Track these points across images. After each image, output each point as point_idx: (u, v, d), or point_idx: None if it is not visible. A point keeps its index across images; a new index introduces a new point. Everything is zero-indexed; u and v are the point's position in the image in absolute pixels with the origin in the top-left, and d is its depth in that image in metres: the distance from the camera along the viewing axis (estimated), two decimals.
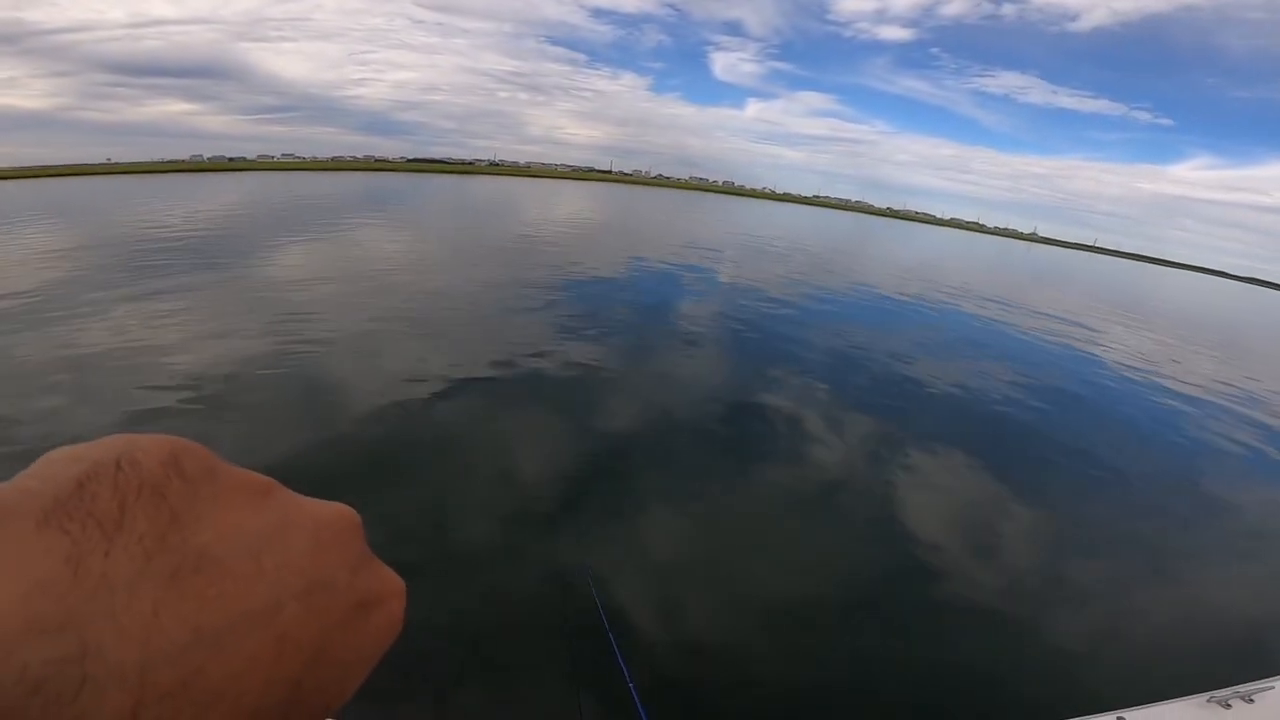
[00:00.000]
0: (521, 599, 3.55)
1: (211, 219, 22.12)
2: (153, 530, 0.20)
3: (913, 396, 8.32)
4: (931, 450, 6.59)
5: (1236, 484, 6.94)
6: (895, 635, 3.69)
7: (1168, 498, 6.31)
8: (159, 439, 0.23)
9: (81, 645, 0.17)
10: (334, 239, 17.58)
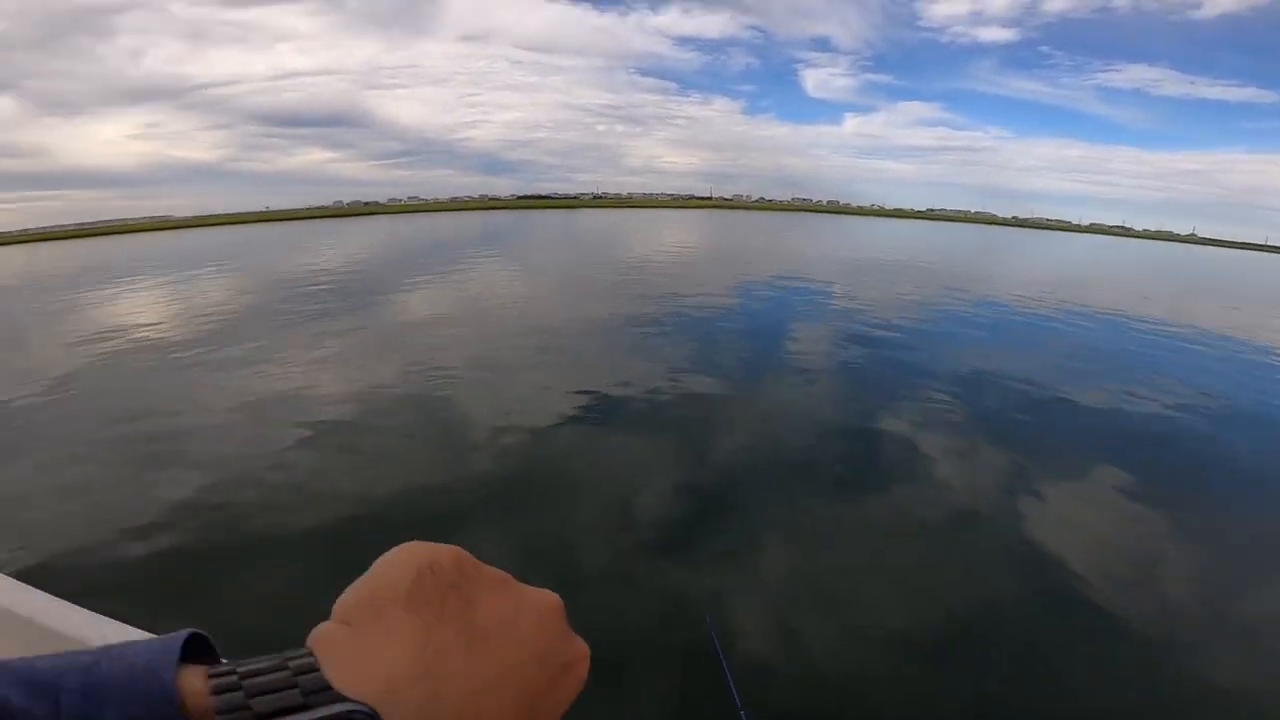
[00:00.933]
0: (634, 623, 3.51)
1: (353, 261, 24.28)
2: (458, 612, 0.30)
3: (1050, 420, 7.31)
4: (1073, 476, 5.90)
5: None
6: (1030, 672, 3.34)
7: None
8: (448, 549, 0.33)
9: (433, 691, 0.27)
10: (456, 277, 18.65)
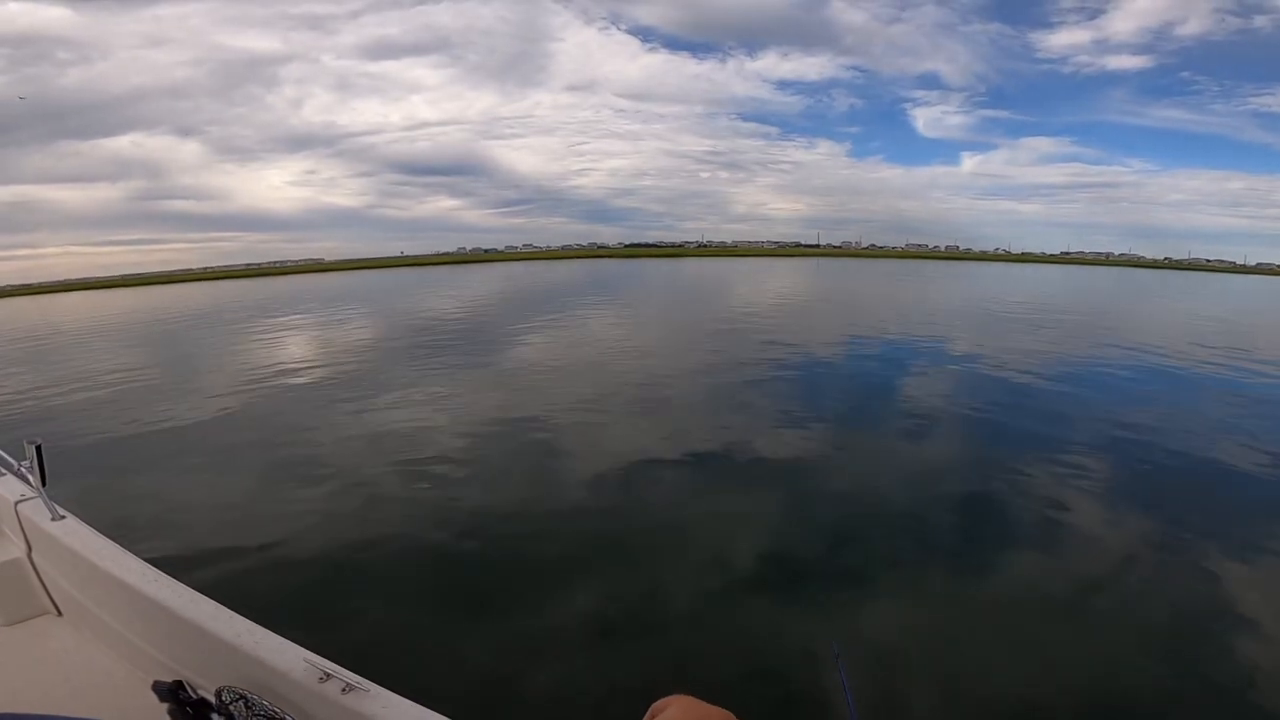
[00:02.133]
0: (729, 682, 3.39)
1: (473, 307, 26.14)
2: None
3: (1216, 489, 6.27)
4: (1237, 557, 4.93)
5: None
6: None
7: None
8: (716, 709, 0.43)
9: None
10: (565, 324, 19.47)
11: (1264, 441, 7.93)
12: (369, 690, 1.36)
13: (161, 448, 7.71)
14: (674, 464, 6.71)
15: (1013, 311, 25.07)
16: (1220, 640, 3.87)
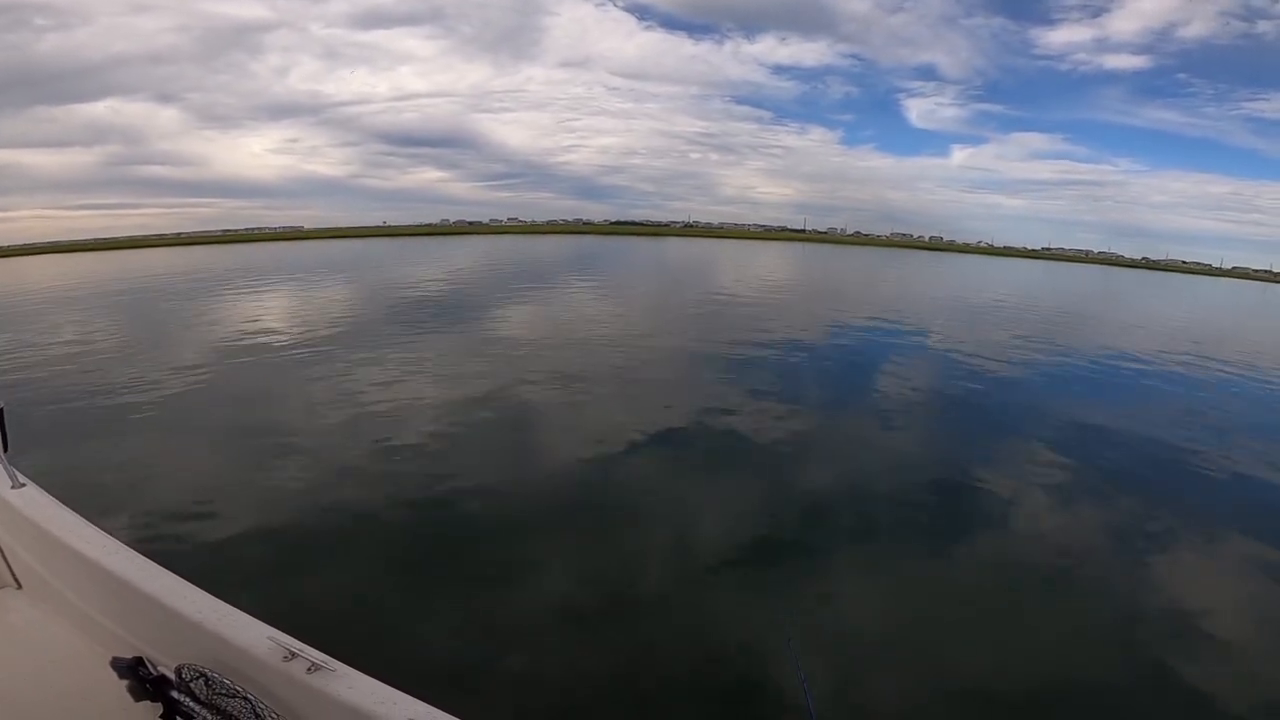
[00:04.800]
0: (696, 659, 3.48)
1: (456, 278, 25.81)
2: None
3: (1173, 483, 6.53)
4: (1194, 548, 5.33)
5: None
6: None
7: None
8: None
9: None
10: (546, 300, 19.34)
11: (1221, 438, 8.19)
12: (335, 670, 1.35)
13: (125, 416, 7.54)
14: (648, 443, 6.75)
15: (993, 305, 25.42)
16: (1171, 628, 4.04)
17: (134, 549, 1.82)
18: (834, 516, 5.36)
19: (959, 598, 4.31)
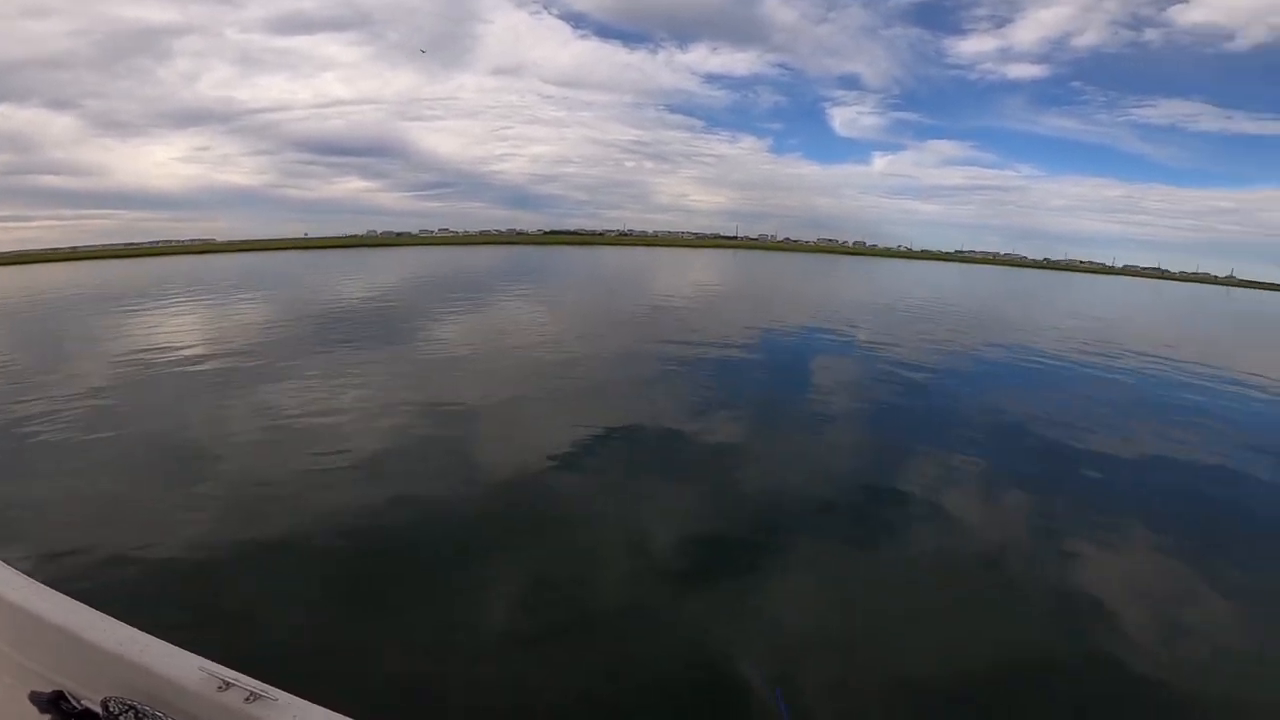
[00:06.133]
0: (658, 669, 3.46)
1: (381, 291, 24.91)
2: None
3: (1082, 469, 7.09)
4: (1105, 526, 5.73)
5: None
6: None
7: None
8: None
9: None
10: (479, 312, 18.98)
11: (1125, 427, 8.97)
12: (276, 699, 1.31)
13: (22, 442, 6.90)
14: (586, 452, 6.73)
15: (913, 307, 26.85)
16: (1090, 608, 4.37)
17: (41, 582, 1.71)
18: (773, 517, 5.47)
19: (896, 589, 4.50)
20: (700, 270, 43.64)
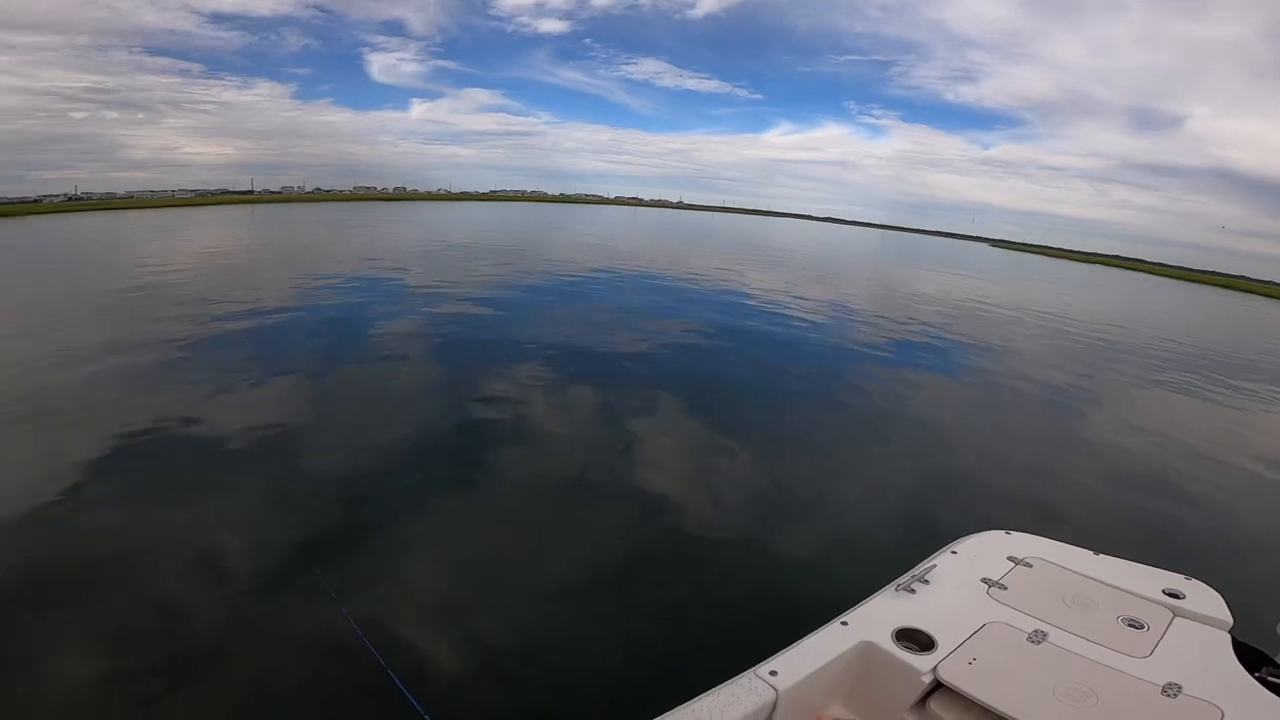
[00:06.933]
0: (284, 677, 3.21)
1: None
2: None
3: (614, 360, 9.08)
4: (646, 407, 7.34)
5: (857, 375, 9.23)
6: (660, 590, 3.99)
7: (816, 402, 8.06)
8: None
9: None
10: None
11: (642, 323, 11.44)
12: None
13: None
14: (101, 473, 5.24)
15: (455, 246, 28.06)
16: (665, 478, 5.41)
17: None
18: (359, 491, 5.11)
19: (495, 520, 4.76)
20: (208, 231, 35.70)
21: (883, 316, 15.27)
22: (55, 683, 3.10)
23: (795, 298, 16.57)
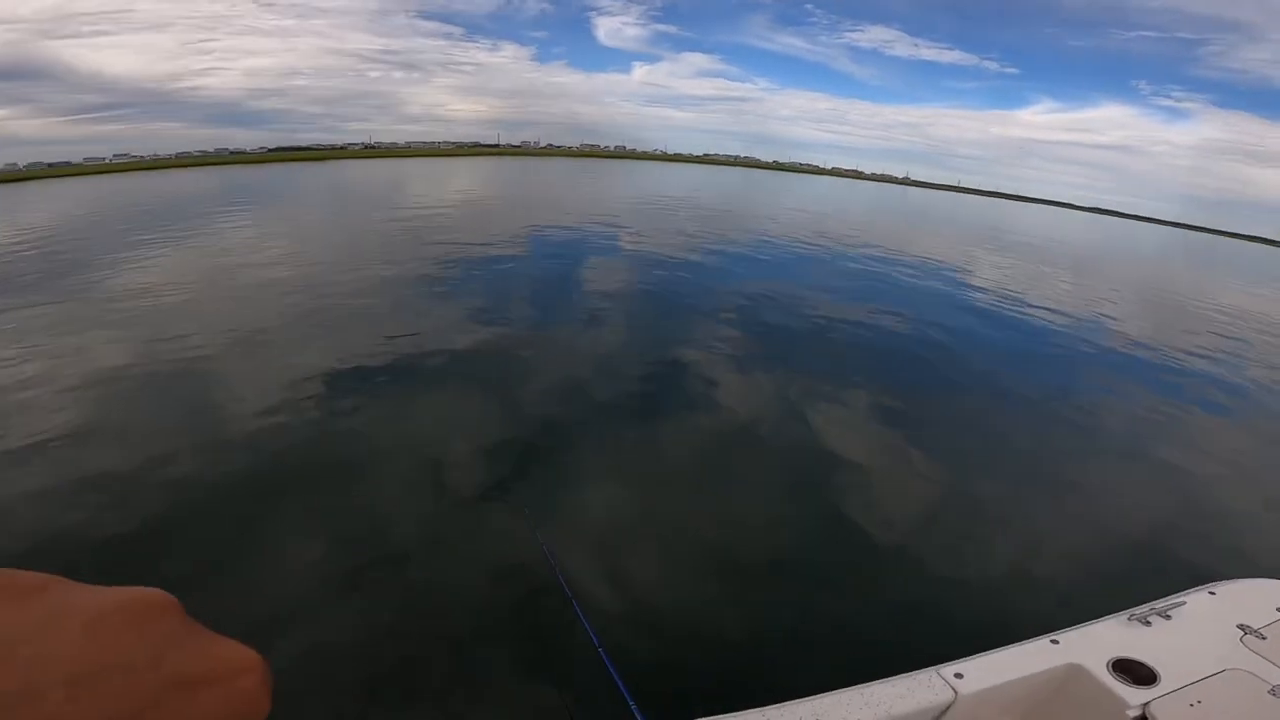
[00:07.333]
0: (475, 588, 3.33)
1: (36, 236, 19.04)
2: None
3: (818, 341, 8.45)
4: (839, 390, 6.73)
5: (1101, 393, 7.51)
6: (828, 581, 3.63)
7: (1051, 417, 6.67)
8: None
9: None
10: (188, 245, 15.48)
11: (845, 302, 10.67)
12: None
13: None
14: (352, 383, 6.00)
15: (668, 205, 28.52)
16: (845, 464, 5.05)
17: None
18: (553, 423, 5.36)
19: (682, 470, 4.74)
20: (464, 179, 40.72)
21: (1187, 334, 12.29)
22: (268, 568, 3.46)
23: (1034, 297, 14.03)
